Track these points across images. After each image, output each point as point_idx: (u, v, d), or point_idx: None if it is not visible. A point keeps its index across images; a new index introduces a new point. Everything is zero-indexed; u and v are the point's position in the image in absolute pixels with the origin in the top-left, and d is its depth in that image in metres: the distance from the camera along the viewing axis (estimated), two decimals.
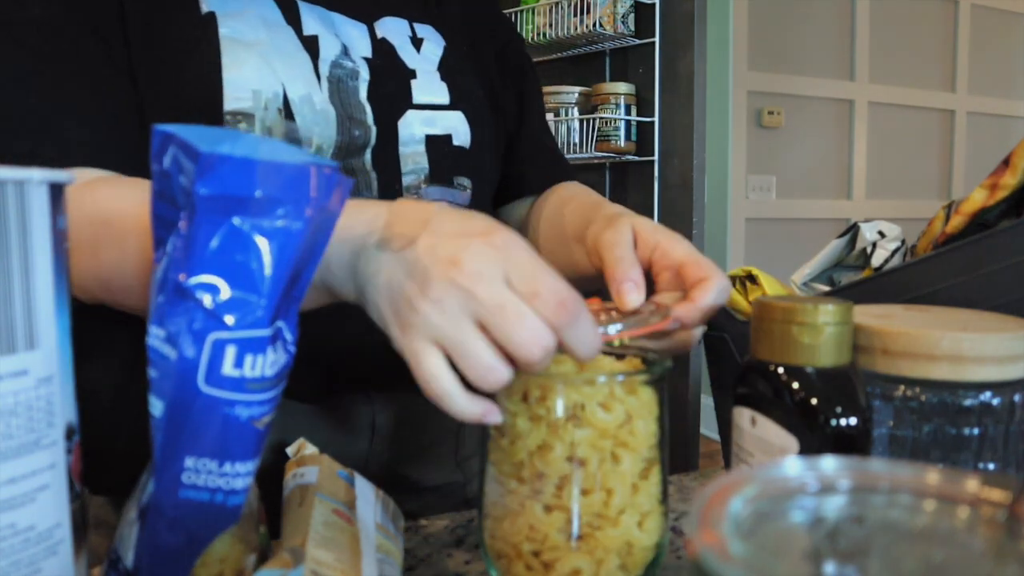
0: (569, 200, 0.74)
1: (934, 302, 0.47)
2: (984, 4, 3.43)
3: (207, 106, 0.57)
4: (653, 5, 2.18)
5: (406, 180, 0.66)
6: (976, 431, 0.37)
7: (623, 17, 2.15)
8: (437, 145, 0.68)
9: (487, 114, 0.74)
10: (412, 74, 0.68)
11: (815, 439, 0.35)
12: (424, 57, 0.69)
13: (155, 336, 0.32)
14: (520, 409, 0.40)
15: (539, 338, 0.37)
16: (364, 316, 0.44)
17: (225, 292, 0.31)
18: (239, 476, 0.33)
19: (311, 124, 0.60)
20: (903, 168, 3.35)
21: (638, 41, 2.20)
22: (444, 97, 0.69)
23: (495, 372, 0.37)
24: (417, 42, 0.70)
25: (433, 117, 0.68)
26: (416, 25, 0.71)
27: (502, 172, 0.80)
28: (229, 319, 0.31)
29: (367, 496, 0.44)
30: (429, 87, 0.68)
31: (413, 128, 0.67)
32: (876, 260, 0.63)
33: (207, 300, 0.31)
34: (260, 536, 0.40)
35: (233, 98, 0.57)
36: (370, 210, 0.42)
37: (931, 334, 0.37)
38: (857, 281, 0.52)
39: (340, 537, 0.38)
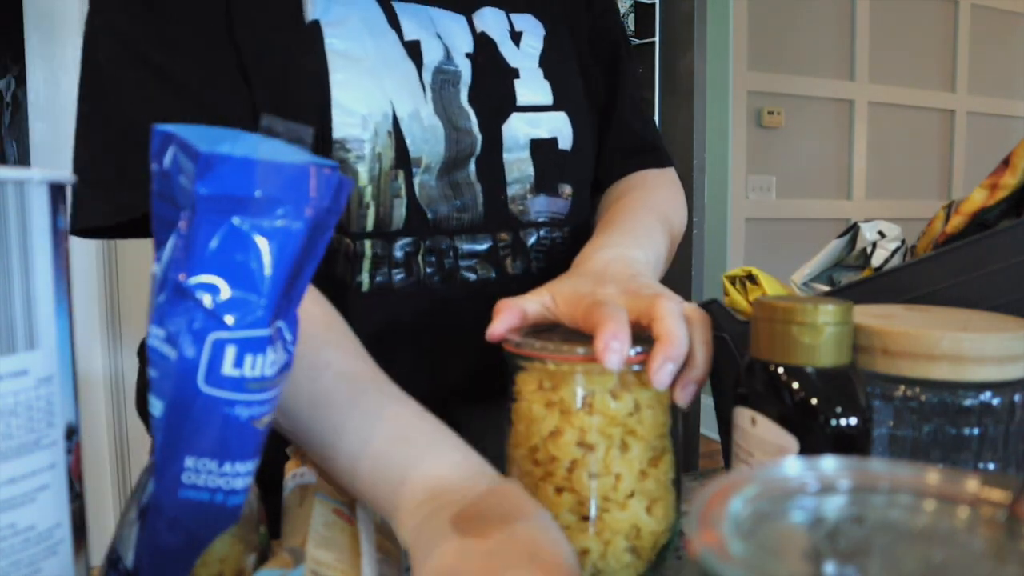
0: (611, 205, 0.69)
1: (934, 302, 0.47)
2: (984, 4, 3.43)
3: (315, 130, 0.54)
4: (653, 5, 2.18)
5: (511, 190, 0.64)
6: (976, 431, 0.37)
7: (623, 17, 2.15)
8: (542, 150, 0.65)
9: (588, 110, 0.70)
10: (515, 73, 0.64)
11: (815, 439, 0.35)
12: (524, 53, 0.66)
13: (155, 336, 0.32)
14: (536, 397, 0.43)
15: None
16: (441, 334, 0.44)
17: (225, 292, 0.31)
18: (239, 476, 0.33)
19: (420, 142, 0.58)
20: (903, 168, 3.35)
21: (638, 41, 2.20)
22: (547, 97, 0.65)
23: None
24: (516, 36, 0.66)
25: (537, 119, 0.64)
26: (513, 16, 0.67)
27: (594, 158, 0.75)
28: (229, 319, 0.31)
29: None
30: (533, 86, 0.65)
31: (518, 132, 0.63)
32: (876, 260, 0.63)
33: (207, 300, 0.31)
34: (260, 536, 0.40)
35: (342, 124, 0.55)
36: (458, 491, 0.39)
37: (931, 334, 0.37)
38: (857, 281, 0.52)
39: (340, 537, 0.38)
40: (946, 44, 3.38)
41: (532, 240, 0.66)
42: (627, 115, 0.77)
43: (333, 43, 0.56)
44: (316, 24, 0.56)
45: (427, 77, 0.60)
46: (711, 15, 2.34)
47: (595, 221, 0.71)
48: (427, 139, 0.59)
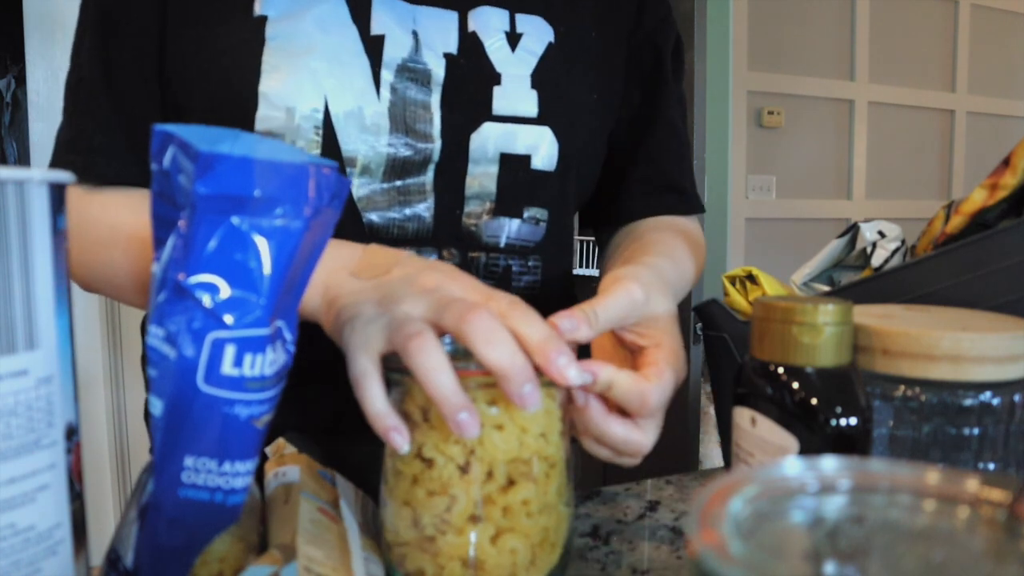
0: (637, 238, 0.62)
1: (934, 302, 0.47)
2: (984, 4, 3.43)
3: (239, 119, 0.55)
4: None
5: (468, 206, 0.59)
6: (976, 431, 0.37)
7: None
8: (511, 167, 0.59)
9: (588, 129, 0.64)
10: (496, 79, 0.59)
11: (815, 439, 0.35)
12: (518, 58, 0.60)
13: (155, 335, 0.32)
14: (397, 407, 0.40)
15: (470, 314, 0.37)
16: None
17: (224, 291, 0.31)
18: (239, 475, 0.33)
19: (357, 142, 0.56)
20: (903, 168, 3.35)
21: None
22: (531, 108, 0.59)
23: (415, 332, 0.37)
24: (514, 38, 0.60)
25: (514, 132, 0.59)
26: (520, 16, 0.61)
27: (611, 190, 0.69)
28: (228, 318, 0.31)
29: (348, 496, 0.44)
30: (514, 95, 0.59)
31: (487, 143, 0.58)
32: (876, 260, 0.62)
33: (206, 299, 0.31)
34: (260, 536, 0.40)
35: (265, 117, 0.54)
36: (346, 248, 0.46)
37: (931, 334, 0.37)
38: (857, 281, 0.52)
39: (327, 535, 0.38)
40: (946, 44, 3.38)
41: (481, 263, 0.61)
42: (661, 148, 0.69)
43: (274, 36, 0.55)
44: (262, 19, 0.55)
45: (386, 75, 0.56)
46: (711, 15, 2.34)
47: (608, 259, 0.65)
48: (365, 139, 0.56)
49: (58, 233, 0.30)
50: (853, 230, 0.65)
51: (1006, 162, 0.53)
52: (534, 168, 0.60)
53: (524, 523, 0.39)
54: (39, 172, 0.28)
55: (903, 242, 0.63)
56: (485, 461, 0.38)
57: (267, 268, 0.32)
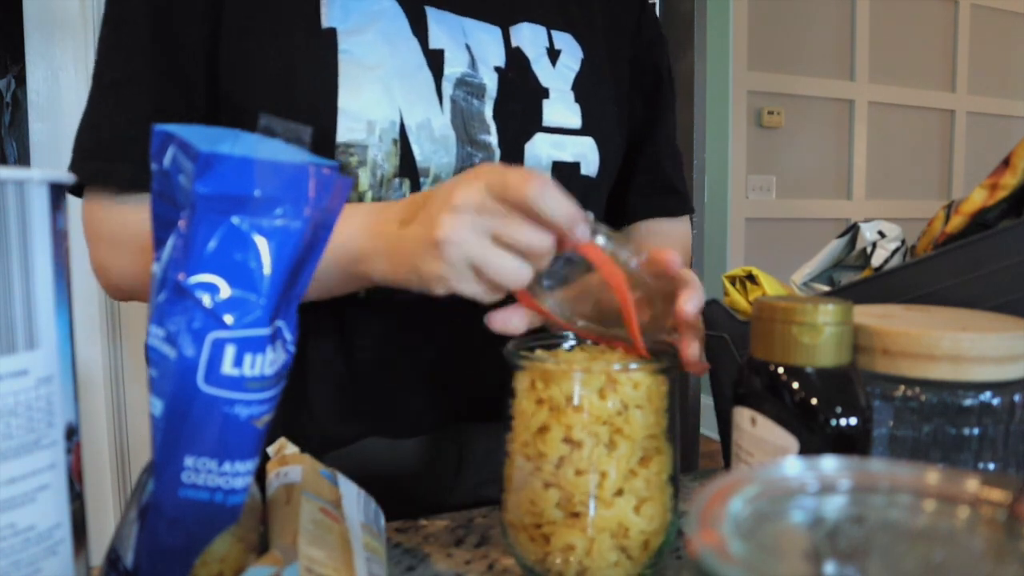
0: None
1: (934, 302, 0.47)
2: (984, 4, 3.42)
3: (318, 133, 0.55)
4: (653, 5, 2.18)
5: None
6: (976, 431, 0.37)
7: None
8: (564, 173, 0.64)
9: (618, 139, 0.69)
10: (544, 93, 0.63)
11: (815, 439, 0.35)
12: (559, 73, 0.65)
13: (155, 336, 0.32)
14: (528, 394, 0.44)
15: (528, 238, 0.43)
16: (454, 353, 0.49)
17: (224, 291, 0.31)
18: (239, 475, 0.33)
19: (429, 153, 0.58)
20: (903, 168, 3.35)
21: None
22: (576, 120, 0.64)
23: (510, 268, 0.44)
24: (554, 54, 0.65)
25: (563, 142, 0.64)
26: (554, 33, 0.66)
27: (618, 192, 0.75)
28: (228, 318, 0.31)
29: (350, 495, 0.44)
30: (562, 109, 0.64)
31: (540, 152, 0.62)
32: (876, 260, 0.62)
33: (206, 299, 0.31)
34: (260, 535, 0.40)
35: (347, 129, 0.55)
36: (394, 206, 0.49)
37: (931, 334, 0.37)
38: (857, 281, 0.52)
39: (328, 536, 0.38)
40: (946, 44, 3.38)
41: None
42: (661, 153, 0.76)
43: (346, 50, 0.55)
44: (332, 31, 0.56)
45: (447, 87, 0.59)
46: (711, 15, 2.34)
47: None
48: (436, 150, 0.58)
49: (58, 233, 0.30)
50: (853, 230, 0.65)
51: (1006, 162, 0.53)
52: (583, 175, 0.65)
53: (659, 492, 0.44)
54: (39, 172, 0.28)
55: (903, 242, 0.63)
56: (631, 439, 0.42)
57: (267, 268, 0.32)
